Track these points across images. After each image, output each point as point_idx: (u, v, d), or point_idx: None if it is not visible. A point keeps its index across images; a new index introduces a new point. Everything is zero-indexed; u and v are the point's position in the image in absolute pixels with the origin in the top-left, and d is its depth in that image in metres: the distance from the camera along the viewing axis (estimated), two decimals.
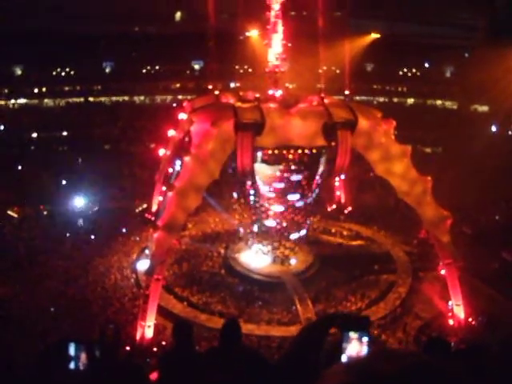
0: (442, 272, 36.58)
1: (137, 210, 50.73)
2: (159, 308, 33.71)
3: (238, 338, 8.03)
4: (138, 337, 32.33)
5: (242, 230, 43.21)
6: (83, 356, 7.32)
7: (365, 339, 4.66)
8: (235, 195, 41.91)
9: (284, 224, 40.66)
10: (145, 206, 49.43)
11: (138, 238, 45.91)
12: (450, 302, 36.22)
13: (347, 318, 5.03)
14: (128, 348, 31.52)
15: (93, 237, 45.80)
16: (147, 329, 32.35)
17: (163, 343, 31.29)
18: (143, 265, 38.86)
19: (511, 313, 34.70)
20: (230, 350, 7.66)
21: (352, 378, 2.00)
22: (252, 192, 39.48)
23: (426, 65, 73.48)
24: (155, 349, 31.09)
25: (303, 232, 42.49)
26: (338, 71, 69.98)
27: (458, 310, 35.77)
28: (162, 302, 35.25)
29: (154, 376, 8.55)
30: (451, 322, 35.89)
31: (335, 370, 2.07)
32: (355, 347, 4.60)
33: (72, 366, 7.26)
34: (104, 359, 7.94)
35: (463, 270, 37.15)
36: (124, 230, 47.09)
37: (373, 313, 36.23)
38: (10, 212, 49.20)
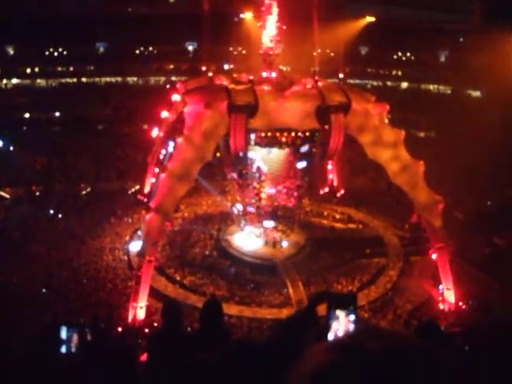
0: (433, 256, 36.74)
1: (129, 192, 50.63)
2: (151, 289, 33.79)
3: (218, 317, 8.05)
4: (129, 318, 32.41)
5: (234, 211, 43.18)
6: (75, 339, 7.35)
7: (351, 317, 4.69)
8: (229, 177, 41.92)
9: (276, 207, 40.72)
10: (137, 187, 49.34)
11: (130, 220, 45.88)
12: (440, 286, 36.43)
13: (334, 295, 5.05)
14: (120, 329, 31.63)
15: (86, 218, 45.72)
16: (139, 310, 32.46)
17: (155, 324, 31.37)
18: (135, 246, 38.89)
19: (502, 297, 34.95)
20: (211, 329, 7.69)
21: (334, 355, 2.00)
22: (245, 174, 39.54)
23: (421, 49, 73.17)
24: (147, 330, 31.18)
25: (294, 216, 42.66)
26: (332, 54, 69.76)
27: (448, 294, 35.98)
28: (154, 283, 35.33)
29: (144, 357, 8.59)
30: (442, 305, 36.12)
31: (317, 348, 2.07)
32: (342, 325, 4.63)
33: (64, 349, 7.28)
34: (96, 342, 7.97)
35: (454, 254, 37.37)
36: (117, 212, 47.02)
37: (364, 296, 36.45)
38: (1, 193, 49.06)
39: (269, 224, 41.36)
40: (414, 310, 35.79)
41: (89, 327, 8.34)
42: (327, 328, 4.68)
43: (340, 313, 4.69)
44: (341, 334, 4.59)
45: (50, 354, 7.39)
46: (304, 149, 37.97)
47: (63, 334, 7.28)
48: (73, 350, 7.30)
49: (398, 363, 1.92)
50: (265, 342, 5.98)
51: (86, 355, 7.48)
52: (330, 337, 4.61)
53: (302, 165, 39.44)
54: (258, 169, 39.36)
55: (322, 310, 4.99)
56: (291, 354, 2.10)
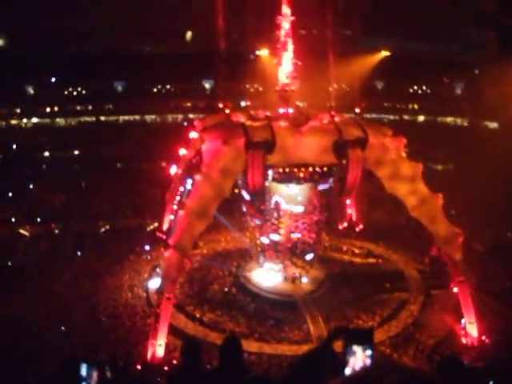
0: (455, 290, 36.34)
1: (148, 229, 50.79)
2: (170, 327, 33.64)
3: (238, 353, 7.99)
4: (148, 356, 32.24)
5: (253, 248, 43.08)
6: (95, 376, 7.35)
7: (368, 352, 4.65)
8: (247, 213, 41.91)
9: (296, 242, 40.59)
10: (156, 224, 49.47)
11: (149, 257, 45.92)
12: (462, 320, 35.93)
13: (351, 331, 5.03)
14: (139, 367, 31.45)
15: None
16: (158, 347, 32.27)
17: (174, 362, 31.16)
18: (154, 283, 38.86)
19: None
20: (230, 366, 7.64)
21: None
22: (264, 211, 39.54)
23: (436, 82, 73.25)
24: (166, 368, 30.97)
25: (313, 252, 42.52)
26: (348, 89, 70.07)
27: (471, 328, 35.46)
28: (173, 320, 35.18)
29: None
30: (464, 340, 35.60)
31: (333, 383, 2.07)
32: (359, 360, 4.59)
33: None
34: (115, 380, 7.95)
35: (476, 287, 36.95)
36: (135, 249, 47.11)
37: (385, 331, 36.05)
38: (21, 230, 49.43)
39: (288, 260, 41.19)
40: (436, 345, 35.25)
41: (108, 365, 8.33)
42: (344, 363, 4.65)
43: (357, 348, 4.67)
44: (358, 368, 4.56)
45: None
46: (323, 186, 38.02)
47: (83, 370, 7.29)
48: None
49: None
50: (283, 377, 5.94)
51: None
52: (347, 372, 4.58)
53: (320, 198, 39.37)
54: (277, 204, 39.32)
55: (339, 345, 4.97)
56: None
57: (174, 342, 33.17)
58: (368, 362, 4.60)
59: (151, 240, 47.79)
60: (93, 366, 7.44)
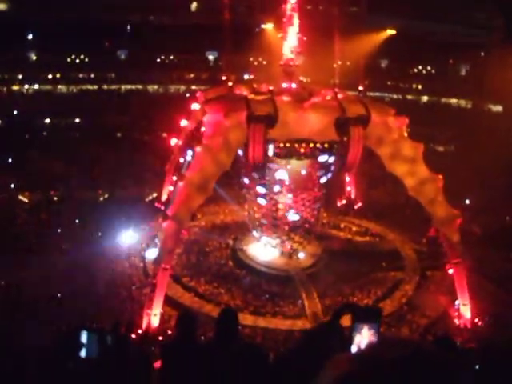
0: (450, 271, 36.48)
1: (147, 199, 50.82)
2: (166, 297, 33.82)
3: (234, 327, 8.01)
4: (144, 325, 32.44)
5: (250, 222, 43.10)
6: (95, 344, 7.35)
7: (374, 331, 4.67)
8: (246, 186, 41.85)
9: (294, 218, 40.60)
10: (155, 195, 49.53)
11: (147, 227, 45.98)
12: (456, 302, 36.13)
13: (359, 308, 5.04)
14: (134, 336, 31.64)
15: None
16: (153, 317, 32.48)
17: (169, 332, 31.37)
18: (152, 254, 38.99)
19: None
20: (226, 339, 7.66)
21: (354, 366, 1.99)
22: (263, 185, 39.50)
23: (441, 63, 72.90)
24: (161, 337, 31.18)
25: (311, 228, 42.61)
26: (352, 66, 69.70)
27: (464, 309, 35.67)
28: (169, 291, 35.35)
29: (157, 364, 8.59)
30: (457, 321, 35.81)
31: (338, 360, 2.06)
32: (364, 338, 4.60)
33: (84, 353, 7.29)
34: (116, 347, 7.96)
35: (471, 269, 37.08)
36: (134, 219, 47.15)
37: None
38: (21, 197, 49.44)
39: (285, 235, 41.27)
40: (430, 325, 35.51)
41: (110, 332, 8.35)
42: (350, 340, 4.67)
43: (363, 326, 4.68)
44: (363, 346, 4.57)
45: (70, 357, 7.41)
46: (323, 159, 37.84)
47: (84, 338, 7.30)
48: (93, 354, 7.31)
49: (415, 371, 1.90)
50: (289, 352, 5.95)
51: (106, 359, 7.48)
52: (353, 349, 4.59)
53: (321, 177, 39.27)
54: (276, 179, 39.28)
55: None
56: (315, 364, 2.09)
57: (170, 313, 33.36)
58: (374, 339, 4.61)
59: (150, 210, 47.83)
60: (93, 333, 7.44)
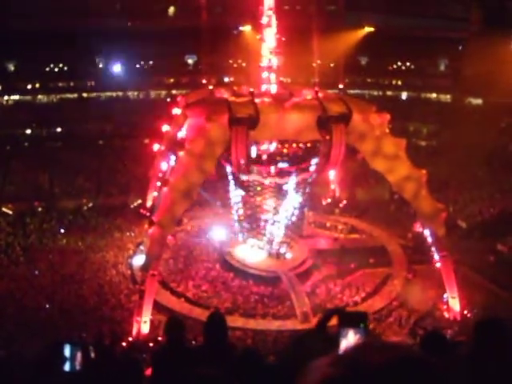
0: (437, 265, 36.63)
1: (132, 206, 50.69)
2: (155, 303, 33.74)
3: (222, 330, 7.99)
4: (134, 332, 32.32)
5: (237, 224, 43.07)
6: (79, 357, 7.31)
7: (361, 336, 4.63)
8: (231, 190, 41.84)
9: (279, 218, 40.62)
10: (139, 201, 49.40)
11: (133, 234, 45.86)
12: (445, 295, 36.28)
13: (345, 313, 5.01)
14: (124, 344, 31.54)
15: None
16: (143, 324, 32.38)
17: (159, 338, 31.28)
18: (139, 260, 38.88)
19: (507, 305, 34.85)
20: (215, 343, 7.65)
21: (337, 370, 1.96)
22: (247, 187, 39.50)
23: (420, 58, 73.14)
24: (151, 344, 31.09)
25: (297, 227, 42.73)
26: (332, 65, 69.86)
27: (453, 302, 35.82)
28: (158, 297, 35.26)
29: (148, 372, 8.55)
30: (447, 314, 35.97)
31: (321, 363, 2.04)
32: (351, 343, 4.57)
33: (67, 367, 7.24)
34: (100, 359, 7.92)
35: (458, 262, 37.27)
36: (119, 226, 47.03)
37: (369, 306, 36.33)
38: (4, 209, 49.12)
39: (272, 236, 41.29)
40: (419, 320, 35.62)
41: (92, 345, 8.29)
42: (337, 345, 4.64)
43: (350, 331, 4.65)
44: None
45: (53, 372, 7.36)
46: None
47: (67, 351, 7.25)
48: (77, 367, 7.26)
49: (398, 377, 1.88)
50: (275, 358, 5.94)
51: (90, 373, 7.43)
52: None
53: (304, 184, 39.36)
54: (260, 182, 39.27)
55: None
56: (300, 369, 2.07)
57: (159, 319, 33.27)
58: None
59: (135, 217, 47.72)
60: (76, 346, 7.39)
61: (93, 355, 7.65)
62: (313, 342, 5.01)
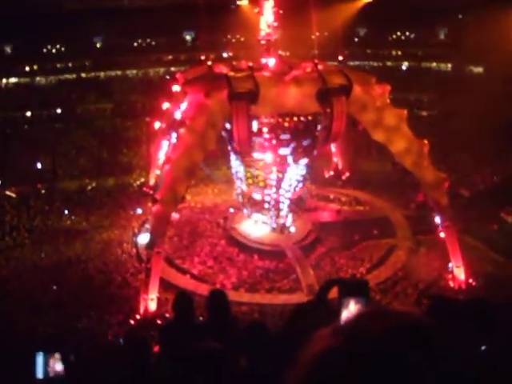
0: (441, 235, 36.66)
1: (135, 185, 50.73)
2: (161, 281, 33.88)
3: (224, 305, 8.04)
4: (141, 310, 32.50)
5: (240, 199, 43.07)
6: (55, 363, 7.31)
7: (363, 303, 4.62)
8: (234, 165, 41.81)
9: (283, 192, 40.59)
10: (142, 180, 49.42)
11: (137, 212, 45.93)
12: (449, 264, 36.36)
13: (345, 282, 4.99)
14: (132, 322, 31.77)
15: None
16: (150, 302, 32.52)
17: (167, 315, 31.45)
18: (144, 239, 38.98)
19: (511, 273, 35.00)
20: (218, 318, 7.69)
21: (337, 340, 1.94)
22: (250, 162, 39.45)
23: (419, 28, 72.56)
24: (159, 321, 31.26)
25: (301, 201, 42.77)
26: (330, 37, 69.32)
27: (458, 271, 35.91)
28: (164, 274, 35.39)
29: (156, 349, 8.61)
30: (452, 283, 36.08)
31: (322, 334, 2.02)
32: (352, 312, 4.55)
33: (40, 375, 7.27)
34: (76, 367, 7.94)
35: (462, 232, 37.29)
36: (123, 205, 47.11)
37: (374, 277, 36.45)
38: (8, 192, 49.18)
39: (276, 209, 41.31)
40: (425, 289, 35.74)
41: (70, 349, 8.34)
42: (338, 315, 4.63)
43: (351, 300, 4.63)
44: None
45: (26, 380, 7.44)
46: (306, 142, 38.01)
47: (39, 360, 7.26)
48: (50, 374, 7.29)
49: (399, 343, 1.85)
50: (276, 331, 5.96)
51: (72, 376, 7.47)
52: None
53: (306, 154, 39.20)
54: (262, 157, 39.21)
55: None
56: (301, 341, 2.06)
57: (166, 296, 33.43)
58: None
59: (138, 196, 47.78)
60: (50, 353, 7.37)
61: (72, 359, 7.69)
62: (314, 313, 5.02)
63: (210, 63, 44.21)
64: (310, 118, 36.93)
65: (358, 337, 1.89)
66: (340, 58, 66.28)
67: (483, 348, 4.43)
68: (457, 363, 1.92)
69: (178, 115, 37.63)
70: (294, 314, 5.84)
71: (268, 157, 38.64)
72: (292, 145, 38.14)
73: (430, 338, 1.92)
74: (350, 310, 4.60)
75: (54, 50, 71.16)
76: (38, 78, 70.89)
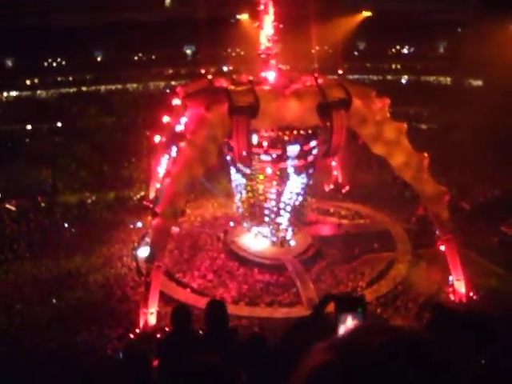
0: (442, 248, 36.61)
1: (135, 198, 50.73)
2: (161, 295, 33.80)
3: (222, 317, 8.02)
4: (141, 324, 32.41)
5: (240, 212, 43.04)
6: None
7: (360, 319, 4.61)
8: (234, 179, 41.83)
9: (282, 206, 40.57)
10: (142, 193, 49.42)
11: (137, 226, 45.88)
12: (450, 278, 36.30)
13: (341, 298, 5.00)
14: (132, 336, 31.67)
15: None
16: (150, 316, 32.42)
17: (166, 329, 31.34)
18: (143, 252, 38.92)
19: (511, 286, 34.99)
20: (216, 329, 7.67)
21: (333, 355, 1.93)
22: (249, 175, 39.47)
23: (419, 41, 72.90)
24: (159, 335, 31.17)
25: (301, 215, 42.73)
26: (330, 51, 69.63)
27: (458, 284, 35.84)
28: (164, 288, 35.31)
29: (156, 362, 8.58)
30: (452, 297, 36.01)
31: (318, 348, 2.01)
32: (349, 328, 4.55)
33: None
34: None
35: (463, 245, 37.24)
36: (123, 219, 47.09)
37: (374, 291, 36.41)
38: (8, 205, 49.16)
39: (276, 223, 41.29)
40: (425, 303, 35.65)
41: None
42: (335, 331, 4.62)
43: (348, 316, 4.62)
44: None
45: None
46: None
47: None
48: None
49: (397, 358, 1.83)
50: (274, 345, 5.94)
51: None
52: None
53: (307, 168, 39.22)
54: (262, 169, 39.24)
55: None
56: (299, 355, 2.05)
57: (165, 310, 33.32)
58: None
59: (138, 209, 47.75)
60: None
61: None
62: (312, 328, 5.01)
63: (210, 77, 44.38)
64: (309, 131, 36.96)
65: (355, 351, 1.88)
66: (340, 71, 66.42)
67: (483, 361, 4.42)
68: (456, 377, 1.91)
69: (178, 129, 37.70)
70: (291, 328, 5.83)
71: (268, 170, 38.67)
72: (292, 158, 38.16)
73: (429, 353, 1.91)
74: (347, 325, 4.59)
75: (54, 64, 71.48)
76: (38, 92, 71.14)
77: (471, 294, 35.75)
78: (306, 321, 5.67)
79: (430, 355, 1.89)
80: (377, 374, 1.80)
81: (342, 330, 4.54)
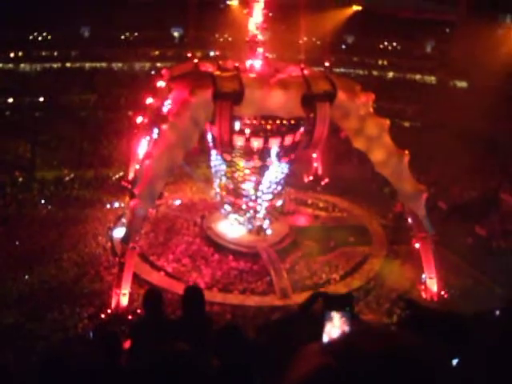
0: (417, 245, 36.86)
1: (113, 178, 50.42)
2: (134, 276, 33.73)
3: (199, 304, 8.00)
4: (112, 305, 32.32)
5: (218, 198, 42.98)
6: None
7: (346, 319, 4.60)
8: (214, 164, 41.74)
9: (260, 194, 40.57)
10: (121, 173, 49.14)
11: (114, 206, 45.67)
12: (423, 275, 36.58)
13: (330, 296, 4.99)
14: (103, 316, 31.59)
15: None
16: (122, 297, 32.35)
17: (138, 311, 31.31)
18: (119, 233, 38.76)
19: (484, 287, 35.32)
20: (192, 316, 7.65)
21: (329, 359, 1.92)
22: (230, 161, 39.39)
23: (407, 39, 73.04)
24: (130, 317, 31.13)
25: (279, 202, 42.79)
26: (318, 42, 69.63)
27: (431, 283, 36.16)
28: (137, 270, 35.24)
29: (127, 344, 8.55)
30: (424, 294, 36.31)
31: (311, 351, 1.99)
32: (335, 327, 4.54)
33: None
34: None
35: (437, 244, 37.51)
36: (100, 198, 46.82)
37: (346, 284, 36.62)
38: None
39: (253, 212, 41.29)
40: (397, 299, 35.88)
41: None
42: (322, 329, 4.60)
43: (335, 314, 4.60)
44: (335, 335, 4.48)
45: None
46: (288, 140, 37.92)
47: None
48: None
49: (395, 364, 1.83)
50: (255, 335, 5.94)
51: None
52: (324, 338, 4.52)
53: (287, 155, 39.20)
54: (242, 156, 39.17)
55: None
56: (284, 353, 2.03)
57: (139, 292, 33.27)
58: (346, 328, 4.55)
59: (116, 189, 47.51)
60: None
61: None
62: (298, 325, 5.01)
63: (196, 61, 44.15)
64: (292, 122, 36.92)
65: (352, 356, 1.87)
66: (326, 63, 66.61)
67: (456, 361, 4.44)
68: (447, 381, 1.92)
69: (161, 111, 37.52)
70: (278, 323, 5.83)
71: (248, 158, 38.61)
72: (273, 147, 38.11)
73: (425, 360, 1.91)
74: (335, 323, 4.59)
75: (40, 38, 70.51)
76: (22, 65, 70.21)
77: (443, 292, 36.08)
78: (294, 317, 5.68)
79: (427, 361, 1.90)
80: (373, 380, 1.79)
81: (328, 327, 4.54)
